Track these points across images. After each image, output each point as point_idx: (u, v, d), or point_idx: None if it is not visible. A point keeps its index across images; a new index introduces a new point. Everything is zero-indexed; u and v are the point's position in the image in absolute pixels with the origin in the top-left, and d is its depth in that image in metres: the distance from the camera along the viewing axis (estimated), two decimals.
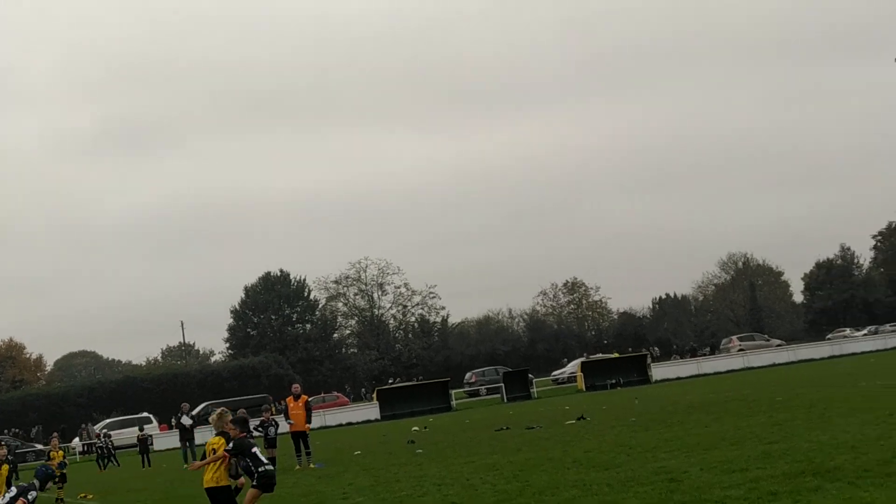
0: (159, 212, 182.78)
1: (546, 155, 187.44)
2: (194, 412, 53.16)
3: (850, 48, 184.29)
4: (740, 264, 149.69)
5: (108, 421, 78.53)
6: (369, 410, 68.07)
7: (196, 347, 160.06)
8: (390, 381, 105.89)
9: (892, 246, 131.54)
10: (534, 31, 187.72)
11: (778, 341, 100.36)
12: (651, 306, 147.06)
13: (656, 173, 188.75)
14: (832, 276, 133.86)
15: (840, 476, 14.67)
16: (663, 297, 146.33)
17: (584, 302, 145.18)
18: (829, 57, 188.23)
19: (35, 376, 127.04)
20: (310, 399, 34.08)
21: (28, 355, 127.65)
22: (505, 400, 67.07)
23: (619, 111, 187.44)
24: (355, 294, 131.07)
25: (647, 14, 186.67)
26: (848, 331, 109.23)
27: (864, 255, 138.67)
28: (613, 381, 67.07)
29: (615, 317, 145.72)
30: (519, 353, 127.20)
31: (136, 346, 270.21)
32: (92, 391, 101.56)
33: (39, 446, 75.15)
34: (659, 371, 71.94)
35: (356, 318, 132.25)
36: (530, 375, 72.46)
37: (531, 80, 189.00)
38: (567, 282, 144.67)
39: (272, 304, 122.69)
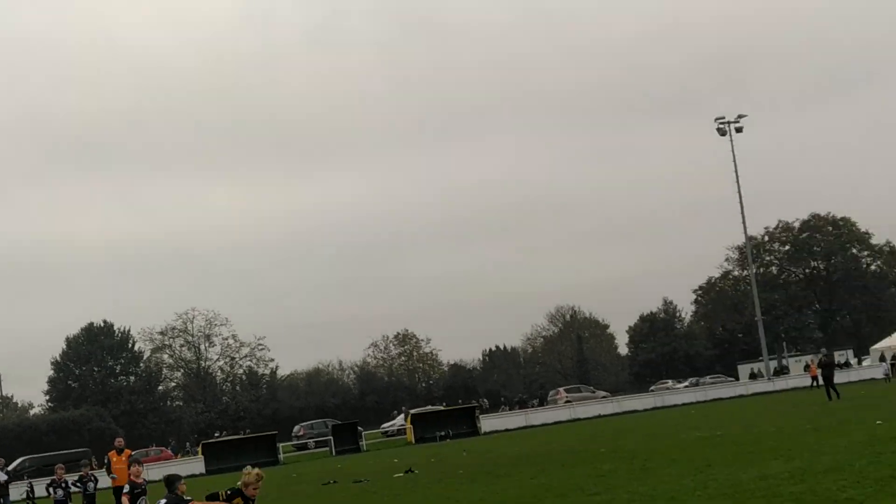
0: None
1: (375, 207, 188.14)
2: (10, 467, 51.20)
3: (670, 110, 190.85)
4: (568, 317, 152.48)
5: None
6: (194, 464, 66.61)
7: (14, 400, 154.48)
8: (216, 435, 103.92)
9: (712, 300, 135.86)
10: (362, 85, 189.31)
11: (603, 393, 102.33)
12: (481, 358, 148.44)
13: (485, 227, 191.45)
14: (655, 329, 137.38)
15: None
16: (493, 348, 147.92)
17: (415, 354, 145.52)
18: (654, 117, 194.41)
19: None
20: (133, 453, 33.20)
21: None
22: (333, 453, 66.50)
23: (446, 165, 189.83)
24: (181, 345, 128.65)
25: (470, 73, 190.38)
26: (670, 382, 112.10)
27: (686, 308, 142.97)
28: (443, 434, 67.19)
29: (446, 368, 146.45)
30: (349, 405, 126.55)
31: None
32: None
33: None
34: (488, 423, 72.41)
35: (182, 370, 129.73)
36: (359, 428, 72.09)
37: (359, 134, 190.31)
38: (398, 333, 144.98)
39: (95, 355, 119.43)
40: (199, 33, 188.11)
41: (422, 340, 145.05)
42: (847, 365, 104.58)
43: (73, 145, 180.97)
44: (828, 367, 53.32)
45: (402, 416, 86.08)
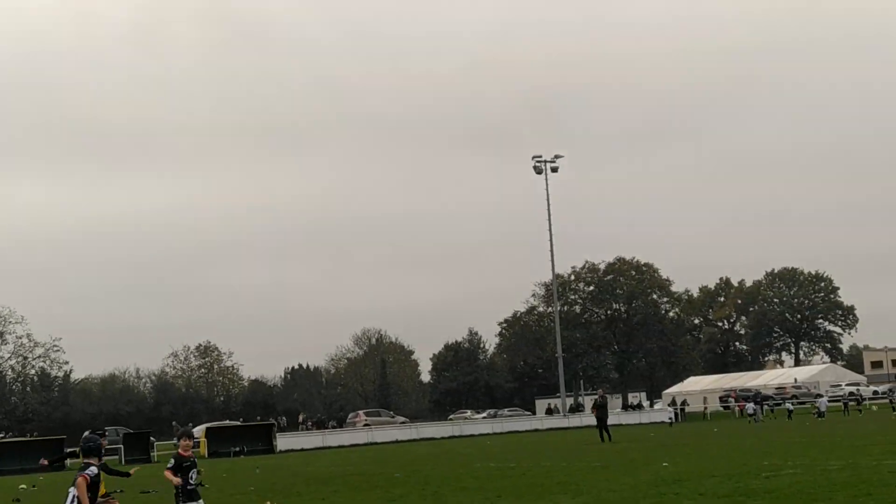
0: None
1: (185, 214, 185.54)
2: None
3: (490, 144, 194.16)
4: (374, 340, 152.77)
5: None
6: None
7: None
8: (1, 436, 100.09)
9: (516, 334, 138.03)
10: (184, 89, 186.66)
11: (402, 418, 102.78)
12: (283, 375, 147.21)
13: (296, 243, 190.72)
14: (459, 358, 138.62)
15: None
16: (296, 366, 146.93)
17: (215, 367, 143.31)
18: (473, 149, 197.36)
19: None
20: None
21: None
22: (122, 461, 64.93)
23: (263, 177, 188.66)
24: None
25: (296, 88, 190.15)
26: (469, 412, 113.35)
27: (490, 340, 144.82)
28: (238, 449, 66.37)
29: (246, 384, 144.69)
30: (143, 414, 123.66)
31: None
32: None
33: None
34: (285, 441, 71.87)
35: None
36: (152, 438, 70.60)
37: (171, 137, 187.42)
38: (200, 345, 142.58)
39: None
40: (14, 24, 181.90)
41: (223, 354, 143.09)
42: (640, 407, 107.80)
43: None
44: (602, 409, 53.58)
45: (198, 428, 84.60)
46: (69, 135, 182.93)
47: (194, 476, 15.91)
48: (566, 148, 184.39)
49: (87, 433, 17.94)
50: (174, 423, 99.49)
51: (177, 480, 15.45)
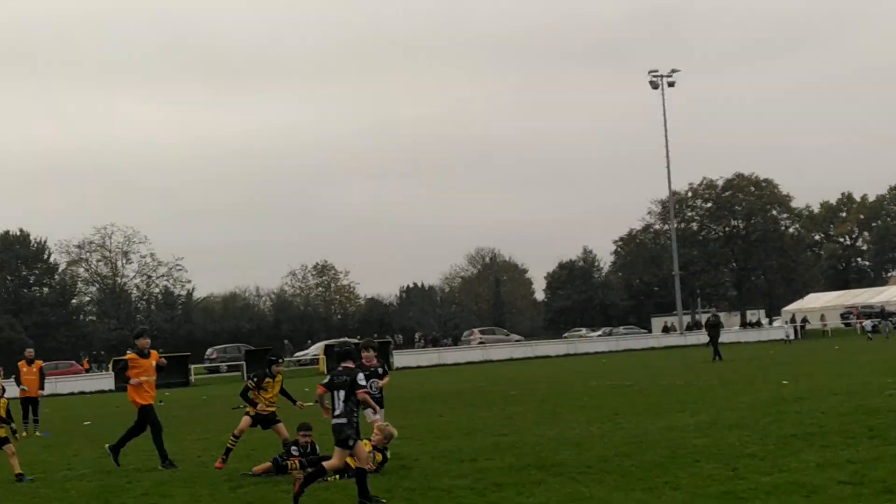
0: None
1: (302, 134, 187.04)
2: None
3: (604, 59, 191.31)
4: (487, 259, 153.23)
5: None
6: (104, 380, 66.19)
7: None
8: (128, 353, 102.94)
9: (631, 252, 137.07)
10: (293, 12, 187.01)
11: (517, 336, 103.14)
12: (398, 294, 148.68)
13: (411, 164, 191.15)
14: (573, 276, 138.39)
15: (563, 471, 15.17)
16: (411, 285, 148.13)
17: (332, 285, 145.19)
18: (587, 65, 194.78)
19: None
20: (43, 365, 32.86)
21: None
22: (245, 378, 66.42)
23: (377, 97, 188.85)
24: (98, 260, 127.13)
25: (408, 10, 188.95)
26: (584, 331, 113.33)
27: (605, 259, 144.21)
28: None
29: (362, 302, 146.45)
30: (263, 332, 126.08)
31: None
32: None
33: None
34: (401, 358, 72.77)
35: (97, 286, 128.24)
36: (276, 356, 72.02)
37: (286, 60, 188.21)
38: (317, 264, 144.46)
39: (9, 264, 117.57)
40: None
41: (340, 272, 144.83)
42: (758, 324, 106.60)
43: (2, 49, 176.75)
44: (714, 328, 53.12)
45: (316, 346, 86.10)
46: (186, 57, 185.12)
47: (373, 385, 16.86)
48: (683, 62, 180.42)
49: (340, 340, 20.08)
50: (286, 341, 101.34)
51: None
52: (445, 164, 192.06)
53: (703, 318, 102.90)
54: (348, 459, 13.97)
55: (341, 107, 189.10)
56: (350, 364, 13.95)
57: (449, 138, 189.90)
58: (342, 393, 13.51)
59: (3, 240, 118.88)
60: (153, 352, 20.26)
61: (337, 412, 13.49)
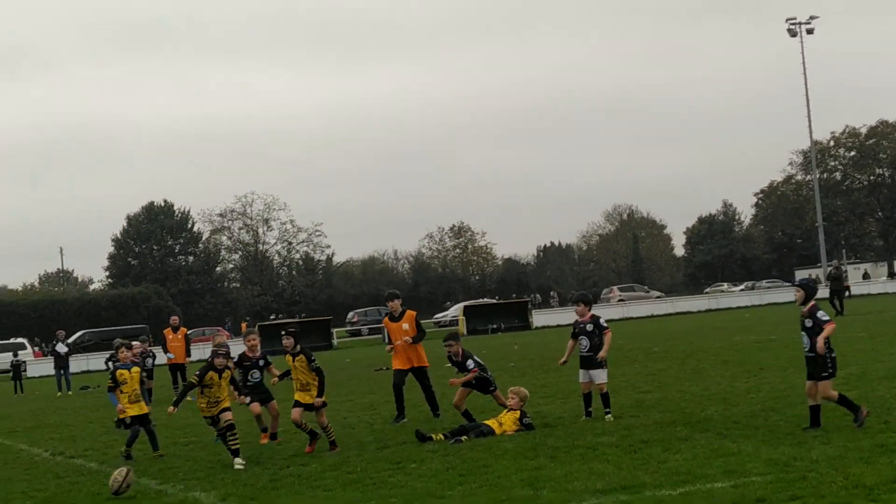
0: (31, 136, 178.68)
1: (432, 99, 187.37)
2: (70, 340, 52.24)
3: (739, 8, 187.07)
4: (625, 216, 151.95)
5: None
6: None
7: (75, 275, 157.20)
8: (272, 317, 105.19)
9: (772, 204, 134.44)
10: None
11: (657, 293, 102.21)
12: (536, 253, 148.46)
13: (544, 123, 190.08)
14: (713, 231, 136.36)
15: (710, 427, 15.01)
16: (548, 245, 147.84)
17: (469, 247, 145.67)
18: (721, 14, 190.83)
19: None
20: (189, 332, 33.69)
21: None
22: (386, 340, 67.17)
23: (504, 60, 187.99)
24: (240, 228, 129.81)
25: None
26: (725, 286, 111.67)
27: (746, 212, 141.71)
28: (495, 326, 67.56)
29: (499, 262, 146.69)
30: (402, 294, 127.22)
31: (11, 270, 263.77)
32: None
33: None
34: (540, 318, 72.70)
35: (240, 253, 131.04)
36: None
37: (414, 23, 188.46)
38: (454, 226, 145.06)
39: (155, 234, 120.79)
40: None
41: (477, 234, 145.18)
42: None
43: (139, 26, 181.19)
44: (836, 281, 51.40)
45: (455, 307, 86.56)
46: (313, 25, 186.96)
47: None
48: (821, 8, 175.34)
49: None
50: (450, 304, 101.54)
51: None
52: (579, 120, 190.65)
53: (851, 270, 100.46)
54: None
55: (473, 67, 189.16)
56: None
57: (581, 94, 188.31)
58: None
59: (149, 211, 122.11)
60: (406, 315, 20.09)
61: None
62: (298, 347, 16.25)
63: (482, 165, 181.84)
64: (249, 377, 17.56)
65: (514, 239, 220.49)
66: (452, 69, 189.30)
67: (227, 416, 15.37)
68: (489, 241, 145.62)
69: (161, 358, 32.06)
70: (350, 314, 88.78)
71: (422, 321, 20.61)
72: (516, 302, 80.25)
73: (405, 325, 19.84)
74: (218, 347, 16.02)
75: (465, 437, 15.68)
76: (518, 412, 16.47)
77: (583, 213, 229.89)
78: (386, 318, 20.37)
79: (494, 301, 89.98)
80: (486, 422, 16.35)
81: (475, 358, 17.78)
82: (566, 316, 74.08)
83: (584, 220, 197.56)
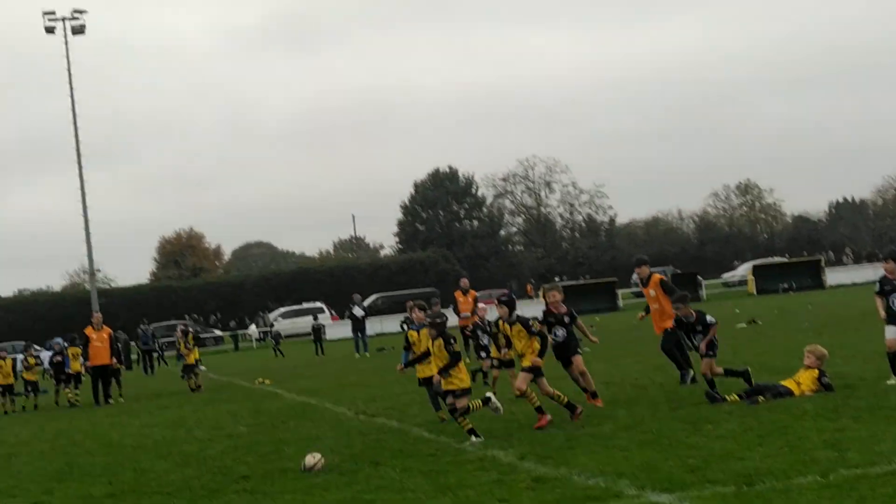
0: (324, 106, 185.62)
1: (710, 54, 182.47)
2: (365, 303, 54.23)
3: None
4: None
5: (282, 310, 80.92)
6: (535, 307, 68.34)
7: (366, 241, 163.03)
8: (556, 280, 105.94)
9: None
10: None
11: None
12: (827, 210, 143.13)
13: (832, 74, 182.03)
14: None
15: None
16: (840, 200, 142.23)
17: (756, 204, 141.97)
18: None
19: (214, 265, 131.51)
20: (478, 294, 34.31)
21: (207, 245, 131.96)
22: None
23: (780, 12, 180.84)
24: (522, 192, 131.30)
25: None
26: None
27: None
28: (786, 286, 65.71)
29: (789, 220, 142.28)
30: (688, 254, 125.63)
31: (308, 238, 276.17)
32: (267, 281, 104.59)
33: (218, 332, 78.12)
34: (834, 276, 70.16)
35: (523, 216, 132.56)
36: (699, 278, 71.54)
37: None
38: (740, 183, 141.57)
39: (440, 200, 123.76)
40: None
41: (764, 191, 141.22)
42: None
43: None
44: None
45: (744, 266, 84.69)
46: None
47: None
48: None
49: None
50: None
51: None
52: (871, 72, 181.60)
53: None
54: None
55: (747, 17, 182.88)
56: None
57: (876, 42, 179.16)
58: None
59: (434, 177, 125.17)
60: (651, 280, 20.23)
61: None
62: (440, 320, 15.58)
63: (768, 120, 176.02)
64: (554, 334, 17.27)
65: (804, 196, 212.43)
66: (727, 24, 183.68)
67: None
68: (778, 198, 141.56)
69: (453, 320, 32.80)
70: (634, 275, 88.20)
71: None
72: (808, 260, 77.74)
73: (652, 292, 20.14)
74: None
75: (762, 397, 15.37)
76: (816, 371, 16.00)
77: (878, 167, 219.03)
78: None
79: (785, 260, 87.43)
80: (783, 382, 15.95)
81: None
82: (861, 273, 71.35)
83: (880, 173, 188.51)
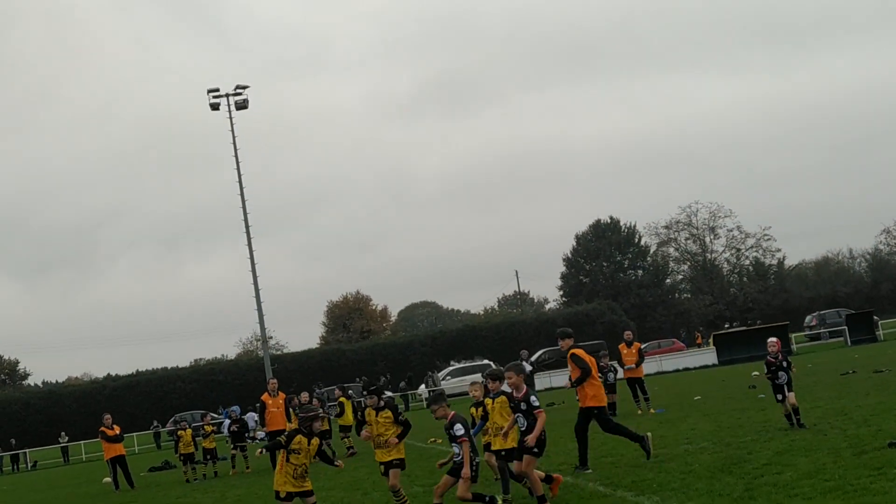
0: (482, 166, 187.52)
1: (867, 89, 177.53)
2: (533, 358, 54.23)
3: None
4: None
5: (451, 368, 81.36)
6: (706, 356, 67.30)
7: (530, 296, 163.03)
8: (726, 326, 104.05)
9: None
10: None
11: None
12: None
13: None
14: None
15: None
16: None
17: None
18: None
19: (381, 326, 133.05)
20: (643, 346, 34.11)
21: (374, 307, 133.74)
22: (849, 343, 64.65)
23: None
24: (686, 238, 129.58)
25: None
26: None
27: None
28: None
29: None
30: (861, 294, 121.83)
31: (472, 296, 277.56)
32: (434, 340, 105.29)
33: (389, 393, 78.86)
34: None
35: (688, 263, 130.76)
36: (875, 317, 69.43)
37: (844, 11, 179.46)
38: None
39: (603, 251, 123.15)
40: None
41: None
42: None
43: (565, 50, 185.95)
44: None
45: None
46: (743, 25, 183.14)
47: None
48: None
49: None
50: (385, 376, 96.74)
51: None
52: None
53: None
54: None
55: None
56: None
57: None
58: None
59: (595, 228, 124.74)
60: None
61: None
62: (383, 402, 15.45)
63: None
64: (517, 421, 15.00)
65: None
66: (884, 57, 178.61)
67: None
68: None
69: (621, 372, 32.71)
70: (808, 318, 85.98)
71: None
72: None
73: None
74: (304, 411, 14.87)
75: None
76: None
77: None
78: None
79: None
80: None
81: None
82: None
83: None
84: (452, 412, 14.54)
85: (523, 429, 14.38)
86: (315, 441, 14.37)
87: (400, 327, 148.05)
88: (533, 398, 14.38)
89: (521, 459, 14.47)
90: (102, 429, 31.88)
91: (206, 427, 32.57)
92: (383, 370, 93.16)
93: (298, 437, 14.25)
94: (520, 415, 14.48)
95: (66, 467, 58.85)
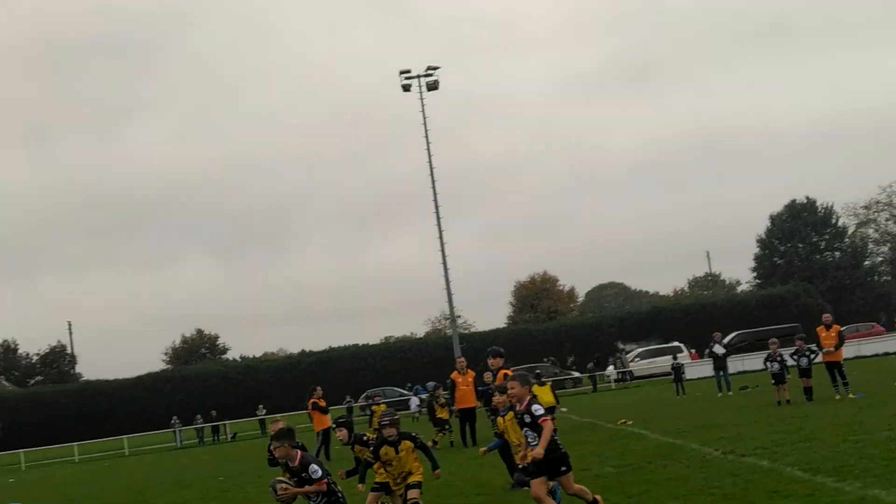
0: (668, 144, 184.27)
1: None
2: (725, 341, 53.18)
3: None
4: None
5: (640, 350, 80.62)
6: None
7: (722, 277, 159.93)
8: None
9: None
10: None
11: None
12: None
13: None
14: None
15: None
16: None
17: None
18: None
19: (568, 307, 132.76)
20: (842, 329, 32.94)
21: (561, 287, 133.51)
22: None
23: None
24: (887, 220, 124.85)
25: None
26: None
27: None
28: None
29: None
30: None
31: (661, 276, 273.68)
32: (622, 321, 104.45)
33: (576, 374, 78.72)
34: None
35: (889, 245, 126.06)
36: None
37: None
38: None
39: (798, 232, 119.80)
40: None
41: None
42: None
43: (756, 26, 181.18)
44: None
45: None
46: None
47: None
48: None
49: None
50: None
51: None
52: None
53: None
54: None
55: None
56: None
57: None
58: None
59: (791, 209, 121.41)
60: None
61: None
62: (395, 431, 14.02)
63: None
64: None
65: None
66: None
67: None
68: None
69: (820, 356, 31.70)
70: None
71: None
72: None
73: None
74: (381, 418, 14.23)
75: None
76: None
77: None
78: None
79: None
80: None
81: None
82: None
83: None
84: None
85: (534, 443, 12.92)
86: (406, 444, 13.92)
87: (587, 308, 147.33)
88: (536, 407, 13.01)
89: (549, 476, 13.01)
90: (313, 400, 32.63)
91: (440, 399, 33.54)
92: (570, 350, 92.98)
93: (384, 449, 13.97)
94: (527, 429, 13.11)
95: (264, 439, 60.68)
